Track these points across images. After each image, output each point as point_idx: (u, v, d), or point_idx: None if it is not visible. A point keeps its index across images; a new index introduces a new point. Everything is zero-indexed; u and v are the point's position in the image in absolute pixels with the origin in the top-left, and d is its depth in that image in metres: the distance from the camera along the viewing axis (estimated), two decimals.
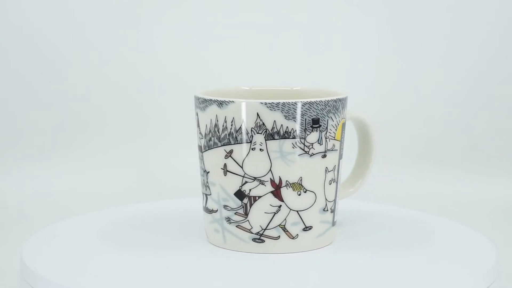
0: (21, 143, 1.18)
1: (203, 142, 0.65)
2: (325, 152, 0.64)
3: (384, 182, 1.16)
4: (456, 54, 1.21)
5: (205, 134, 0.64)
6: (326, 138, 0.64)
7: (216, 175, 0.64)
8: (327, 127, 0.63)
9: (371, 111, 1.21)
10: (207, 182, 0.65)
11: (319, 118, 0.63)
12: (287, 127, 0.62)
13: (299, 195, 0.63)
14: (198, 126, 0.65)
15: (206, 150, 0.64)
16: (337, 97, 0.64)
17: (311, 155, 0.63)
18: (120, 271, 0.60)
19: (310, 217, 0.64)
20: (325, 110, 0.63)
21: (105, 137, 1.19)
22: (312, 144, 0.63)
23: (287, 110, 0.62)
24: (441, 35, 1.21)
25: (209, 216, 0.66)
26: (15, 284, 0.77)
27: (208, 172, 0.65)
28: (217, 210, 0.65)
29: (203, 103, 0.64)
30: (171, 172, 1.17)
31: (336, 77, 1.22)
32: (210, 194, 0.65)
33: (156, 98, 1.21)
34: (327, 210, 0.65)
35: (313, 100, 0.62)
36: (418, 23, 1.21)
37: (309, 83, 1.20)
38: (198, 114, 0.65)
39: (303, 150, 0.63)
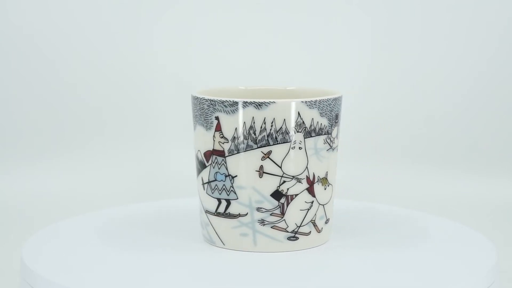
0: (21, 143, 1.18)
1: (227, 146, 0.63)
2: (337, 145, 0.67)
3: (384, 182, 1.16)
4: (456, 54, 1.21)
5: (234, 137, 0.63)
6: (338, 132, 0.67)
7: (248, 178, 0.63)
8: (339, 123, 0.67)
9: (371, 110, 1.21)
10: (231, 186, 0.64)
11: (338, 114, 0.66)
12: (321, 123, 0.64)
13: (325, 189, 0.66)
14: (218, 130, 0.64)
15: (233, 154, 0.63)
16: (339, 95, 0.66)
17: (333, 149, 0.66)
18: (120, 271, 0.60)
19: (329, 210, 0.67)
20: (341, 106, 0.66)
21: (105, 137, 1.19)
22: (334, 138, 0.66)
23: (322, 107, 0.64)
24: (441, 35, 1.21)
25: (232, 221, 0.64)
26: (15, 284, 0.77)
27: (235, 176, 0.63)
28: (246, 214, 0.64)
29: (232, 105, 0.62)
30: (171, 172, 1.17)
31: (336, 77, 1.22)
32: (236, 199, 0.64)
33: (156, 98, 1.21)
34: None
35: (337, 96, 0.65)
36: (418, 23, 1.21)
37: (309, 83, 1.20)
38: (220, 118, 0.63)
39: (330, 145, 0.65)
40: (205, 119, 0.64)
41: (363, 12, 1.22)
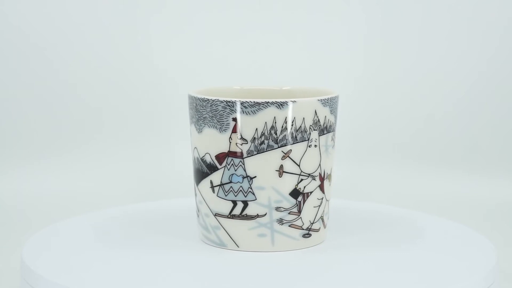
0: (20, 143, 1.18)
1: (246, 147, 0.63)
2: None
3: (384, 182, 1.16)
4: (456, 54, 1.21)
5: (255, 138, 0.63)
6: None
7: (267, 178, 0.63)
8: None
9: (371, 110, 1.21)
10: (249, 188, 0.64)
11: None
12: (331, 121, 0.65)
13: (330, 185, 0.67)
14: (236, 131, 0.63)
15: (252, 155, 0.63)
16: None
17: (334, 147, 0.67)
18: (120, 271, 0.60)
19: (330, 206, 0.69)
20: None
21: (105, 137, 1.19)
22: (334, 135, 0.67)
23: (332, 104, 0.65)
24: (441, 34, 1.21)
25: (249, 222, 0.64)
26: (15, 284, 0.77)
27: (254, 177, 0.63)
28: (265, 214, 0.64)
29: (252, 106, 0.62)
30: (171, 172, 1.17)
31: (336, 77, 1.22)
32: (255, 200, 0.64)
33: (156, 98, 1.21)
34: None
35: (337, 94, 0.67)
36: (418, 22, 1.21)
37: (307, 83, 1.20)
38: (240, 119, 0.63)
39: (334, 142, 0.67)
40: (218, 121, 0.63)
41: (363, 12, 1.22)
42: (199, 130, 0.65)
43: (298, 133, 0.63)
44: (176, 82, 1.20)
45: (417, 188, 1.15)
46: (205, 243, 0.67)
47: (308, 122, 0.63)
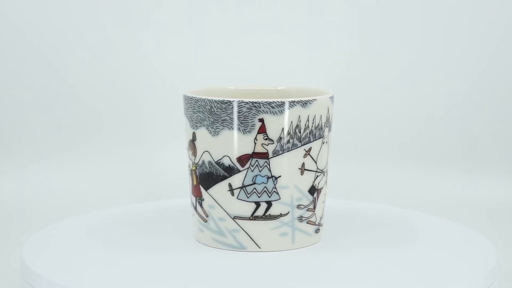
0: (20, 143, 1.18)
1: (272, 147, 0.63)
2: None
3: (384, 182, 1.16)
4: (456, 54, 1.21)
5: (280, 137, 0.63)
6: None
7: (291, 177, 0.64)
8: None
9: (371, 110, 1.21)
10: (273, 188, 0.64)
11: None
12: (331, 118, 0.67)
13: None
14: (262, 132, 0.63)
15: (278, 155, 0.63)
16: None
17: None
18: (120, 271, 0.60)
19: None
20: None
21: (105, 137, 1.19)
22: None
23: (333, 102, 0.67)
24: (441, 34, 1.21)
25: (272, 222, 0.64)
26: (15, 284, 0.77)
27: (279, 176, 0.63)
28: (287, 213, 0.64)
29: (279, 106, 0.62)
30: (171, 172, 1.17)
31: (336, 77, 1.22)
32: (279, 199, 0.64)
33: (156, 99, 1.21)
34: None
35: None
36: (418, 22, 1.21)
37: (309, 83, 1.20)
38: (266, 120, 0.63)
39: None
40: (242, 122, 0.63)
41: (362, 12, 1.22)
42: (215, 133, 0.64)
43: (317, 130, 0.64)
44: (176, 82, 1.20)
45: (417, 188, 1.14)
46: (216, 247, 0.66)
47: (323, 120, 0.65)
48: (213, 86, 0.71)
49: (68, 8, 1.20)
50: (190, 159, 0.66)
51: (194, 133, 0.65)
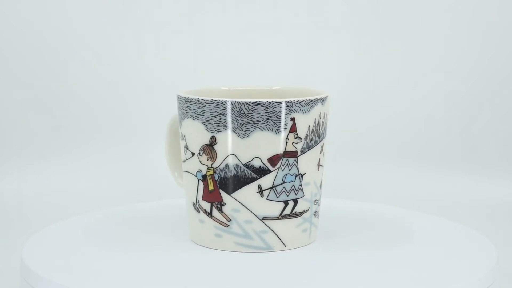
0: (19, 143, 1.18)
1: (300, 145, 0.64)
2: None
3: (384, 182, 1.16)
4: (456, 54, 1.21)
5: (307, 135, 0.64)
6: None
7: (312, 174, 0.65)
8: None
9: (371, 110, 1.21)
10: (300, 185, 0.64)
11: None
12: None
13: None
14: (293, 131, 0.63)
15: (305, 152, 0.64)
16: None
17: None
18: (120, 271, 0.60)
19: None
20: None
21: (105, 137, 1.19)
22: None
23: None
24: (441, 35, 1.21)
25: (296, 220, 0.65)
26: (15, 284, 0.77)
27: (304, 174, 0.64)
28: (308, 209, 0.66)
29: (308, 104, 0.63)
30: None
31: (336, 77, 1.22)
32: (303, 196, 0.65)
33: (156, 99, 1.21)
34: None
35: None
36: (418, 22, 1.21)
37: (310, 83, 1.20)
38: (297, 119, 0.63)
39: None
40: (274, 123, 0.62)
41: (362, 12, 1.22)
42: (245, 135, 0.62)
43: (327, 126, 0.67)
44: (176, 82, 1.20)
45: (417, 188, 1.14)
46: (238, 251, 0.65)
47: (328, 117, 0.66)
48: (206, 87, 0.71)
49: (68, 8, 1.20)
50: (204, 164, 0.64)
51: (213, 137, 0.63)
